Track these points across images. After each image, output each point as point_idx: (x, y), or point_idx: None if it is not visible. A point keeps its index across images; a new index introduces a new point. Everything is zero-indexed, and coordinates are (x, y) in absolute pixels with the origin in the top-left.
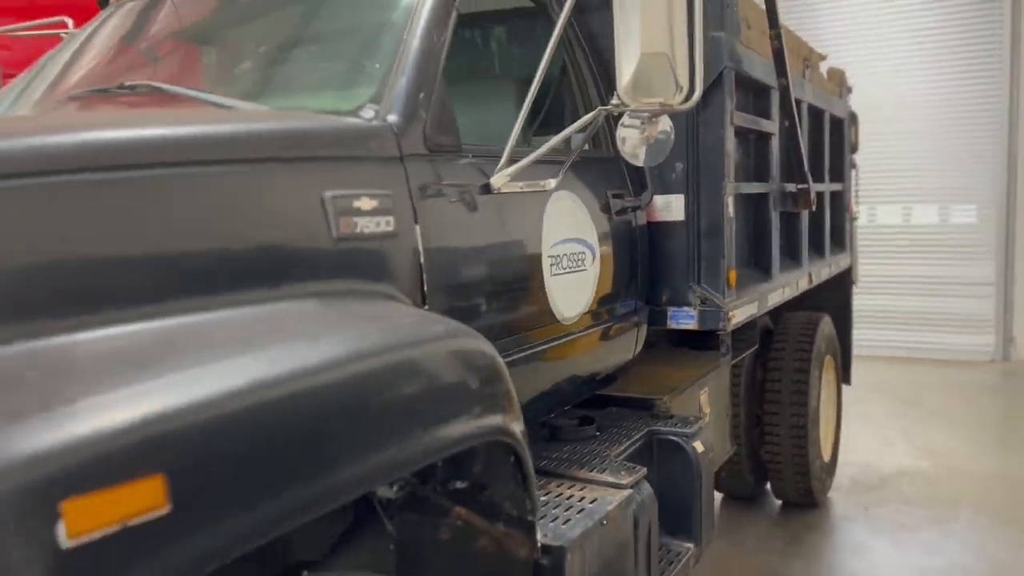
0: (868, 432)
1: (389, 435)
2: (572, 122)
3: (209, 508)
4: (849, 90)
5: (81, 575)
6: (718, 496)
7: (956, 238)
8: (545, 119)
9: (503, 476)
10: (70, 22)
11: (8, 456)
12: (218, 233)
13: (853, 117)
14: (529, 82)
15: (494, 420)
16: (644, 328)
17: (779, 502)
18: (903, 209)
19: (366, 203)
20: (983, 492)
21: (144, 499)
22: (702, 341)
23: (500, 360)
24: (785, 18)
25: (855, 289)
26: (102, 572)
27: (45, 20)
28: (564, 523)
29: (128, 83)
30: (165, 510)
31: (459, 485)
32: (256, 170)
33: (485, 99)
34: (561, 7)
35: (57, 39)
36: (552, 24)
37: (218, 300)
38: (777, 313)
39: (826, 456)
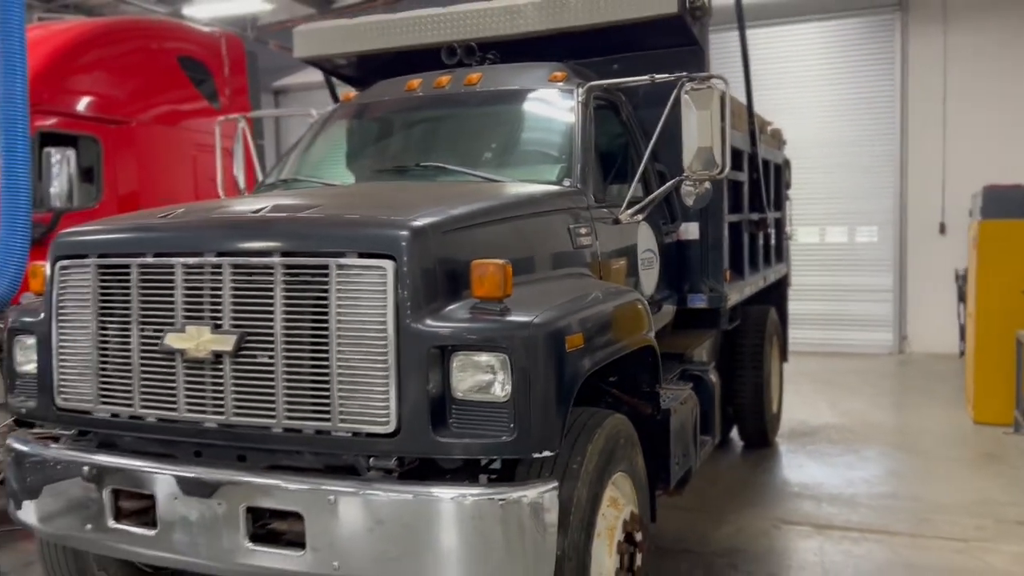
0: (800, 402)
1: (619, 336)
2: (631, 177)
3: (589, 348)
4: (784, 143)
5: (568, 362)
6: None
7: (861, 254)
8: (616, 175)
9: (644, 367)
10: (314, 111)
11: (558, 320)
12: (546, 245)
13: (787, 163)
14: (601, 153)
15: (647, 334)
16: (674, 307)
17: (741, 444)
18: (819, 230)
19: (582, 230)
20: (885, 435)
21: (579, 341)
22: (698, 321)
23: (646, 303)
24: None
25: (790, 291)
26: (570, 362)
27: (293, 109)
28: (663, 401)
29: (420, 163)
30: (583, 346)
31: (612, 379)
32: (550, 216)
33: None
34: (626, 109)
35: None
36: (620, 117)
37: (548, 275)
38: (739, 306)
39: (775, 409)
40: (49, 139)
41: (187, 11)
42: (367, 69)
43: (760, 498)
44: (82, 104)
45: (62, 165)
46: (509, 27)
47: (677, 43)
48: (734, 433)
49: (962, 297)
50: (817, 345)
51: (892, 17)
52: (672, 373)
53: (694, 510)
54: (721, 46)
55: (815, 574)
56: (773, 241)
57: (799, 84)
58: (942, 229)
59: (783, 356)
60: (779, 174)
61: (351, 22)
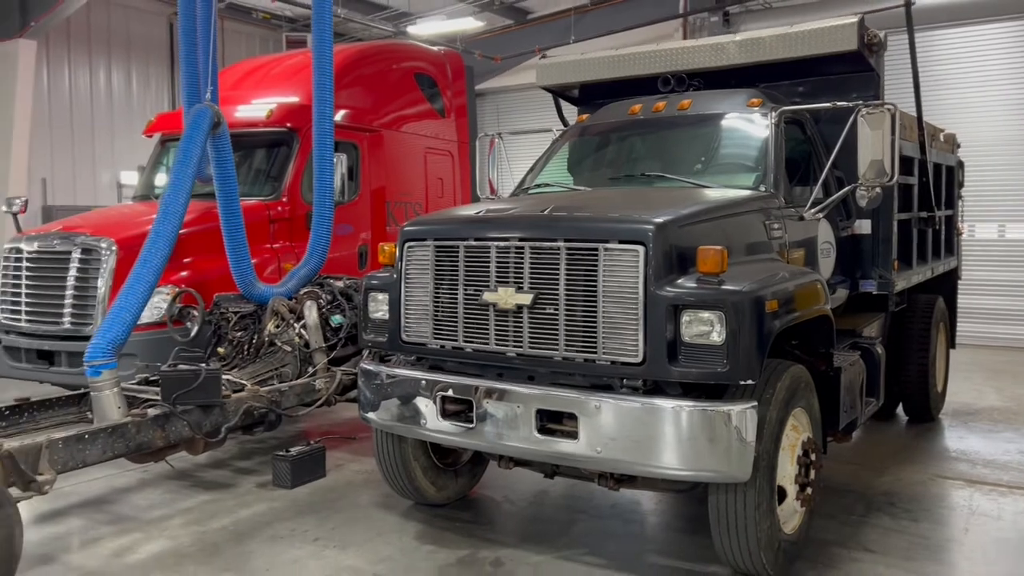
0: (968, 388)
1: (802, 305)
2: (813, 182)
3: (781, 311)
4: (958, 146)
5: (766, 320)
6: None
7: None
8: (800, 179)
9: (821, 333)
10: (554, 128)
11: (758, 290)
12: (748, 236)
13: (960, 164)
14: (788, 161)
15: (824, 305)
16: (847, 292)
17: (906, 419)
18: (998, 227)
19: (775, 225)
20: None
21: (774, 305)
22: (869, 305)
23: (824, 281)
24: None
25: (960, 285)
26: (767, 319)
27: (537, 129)
28: (835, 360)
29: (645, 172)
30: (777, 309)
31: (795, 342)
32: (751, 214)
33: None
34: (810, 125)
35: None
36: (804, 132)
37: (749, 258)
38: (908, 294)
39: (939, 388)
40: None
41: (411, 29)
42: (589, 93)
43: (919, 458)
44: (346, 116)
45: (337, 167)
46: (714, 60)
47: (855, 70)
48: (899, 409)
49: None
50: (992, 339)
51: None
52: (844, 344)
53: (859, 464)
54: (901, 49)
55: (963, 513)
56: (943, 237)
57: (982, 83)
58: None
59: (950, 343)
60: (951, 175)
61: (584, 57)
